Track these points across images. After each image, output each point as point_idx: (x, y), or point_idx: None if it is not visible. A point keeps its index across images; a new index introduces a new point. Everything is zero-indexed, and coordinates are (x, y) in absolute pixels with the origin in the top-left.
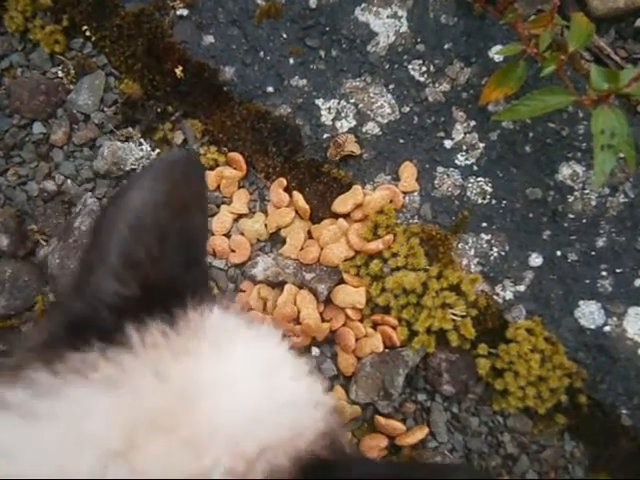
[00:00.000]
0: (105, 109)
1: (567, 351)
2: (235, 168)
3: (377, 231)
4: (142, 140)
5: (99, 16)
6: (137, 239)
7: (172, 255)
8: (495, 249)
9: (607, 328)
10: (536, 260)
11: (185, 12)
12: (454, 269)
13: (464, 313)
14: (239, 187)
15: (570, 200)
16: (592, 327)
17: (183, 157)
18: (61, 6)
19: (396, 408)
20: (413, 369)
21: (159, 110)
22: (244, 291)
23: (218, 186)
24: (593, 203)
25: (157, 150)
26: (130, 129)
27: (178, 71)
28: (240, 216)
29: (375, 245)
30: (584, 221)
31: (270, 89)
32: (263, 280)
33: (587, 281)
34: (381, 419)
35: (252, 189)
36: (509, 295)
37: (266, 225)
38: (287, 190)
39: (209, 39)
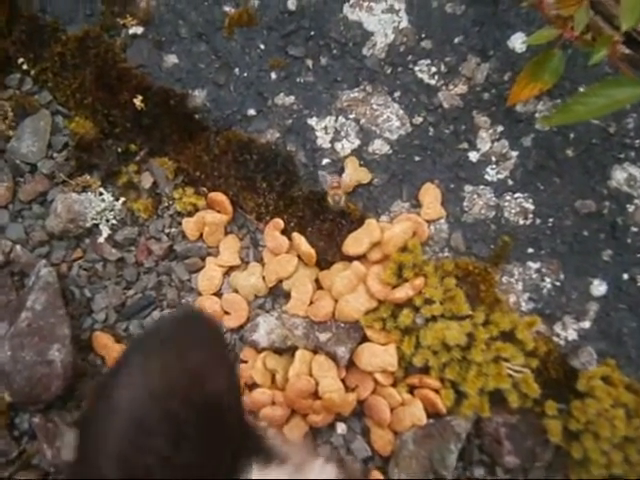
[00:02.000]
0: (55, 155)
1: None
2: (219, 211)
3: (402, 273)
4: (102, 189)
5: (36, 45)
6: (138, 444)
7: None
8: (548, 279)
9: None
10: (599, 288)
11: (139, 30)
12: (502, 311)
13: (523, 368)
14: (226, 233)
15: (630, 210)
16: None
17: (180, 322)
18: None
19: None
20: (467, 434)
21: (120, 150)
22: (246, 361)
23: (201, 235)
24: None
25: (122, 199)
26: (87, 176)
27: (137, 101)
28: (231, 269)
29: (403, 292)
30: None
31: (252, 112)
32: (268, 347)
33: None
34: None
35: (242, 234)
36: (572, 334)
37: (264, 277)
38: (285, 232)
39: (171, 59)
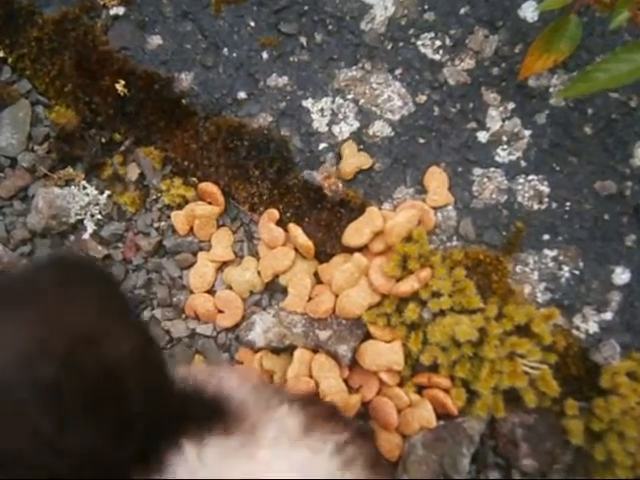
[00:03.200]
0: (35, 147)
1: None
2: (210, 202)
3: (407, 265)
4: (86, 182)
5: (12, 30)
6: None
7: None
8: (566, 268)
9: None
10: (622, 276)
11: (121, 10)
12: (517, 303)
13: (541, 364)
14: (218, 226)
15: None
16: None
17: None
18: None
19: None
20: (482, 435)
21: (104, 140)
22: (242, 362)
23: (191, 229)
24: None
25: (107, 192)
26: (70, 169)
27: (119, 87)
28: (224, 264)
29: (409, 285)
30: None
31: (242, 95)
32: (264, 346)
33: None
34: None
35: (235, 227)
36: (593, 327)
37: (259, 272)
38: (281, 223)
39: (156, 40)
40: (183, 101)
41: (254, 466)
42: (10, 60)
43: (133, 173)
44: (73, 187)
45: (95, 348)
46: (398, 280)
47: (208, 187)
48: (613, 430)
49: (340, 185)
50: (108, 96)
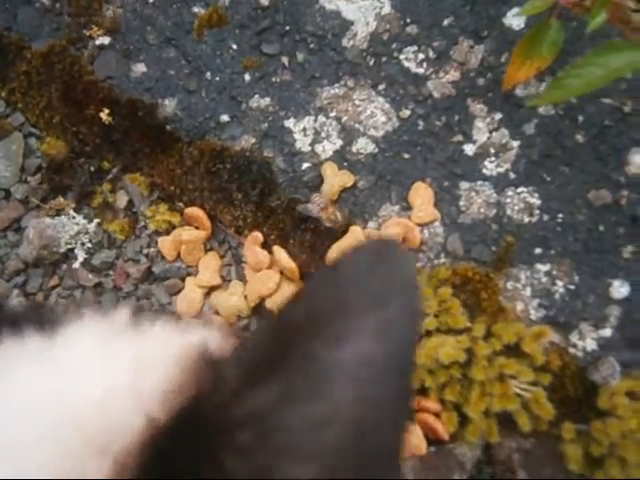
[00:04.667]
0: (28, 179)
1: None
2: (197, 227)
3: None
4: (73, 212)
5: (2, 64)
6: None
7: None
8: (560, 282)
9: None
10: (620, 290)
11: (106, 40)
12: (508, 321)
13: (533, 387)
14: (206, 250)
15: None
16: None
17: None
18: None
19: None
20: (474, 469)
21: (92, 169)
22: None
23: (179, 254)
24: None
25: (96, 220)
26: (60, 199)
27: (104, 115)
28: (212, 289)
29: None
30: None
31: (225, 118)
32: None
33: None
34: None
35: (223, 250)
36: (591, 345)
37: (246, 297)
38: (265, 246)
39: (140, 68)
40: (167, 127)
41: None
42: (3, 94)
43: (122, 200)
44: (63, 216)
45: None
46: None
47: (194, 212)
48: (613, 455)
49: (338, 214)
50: (94, 125)
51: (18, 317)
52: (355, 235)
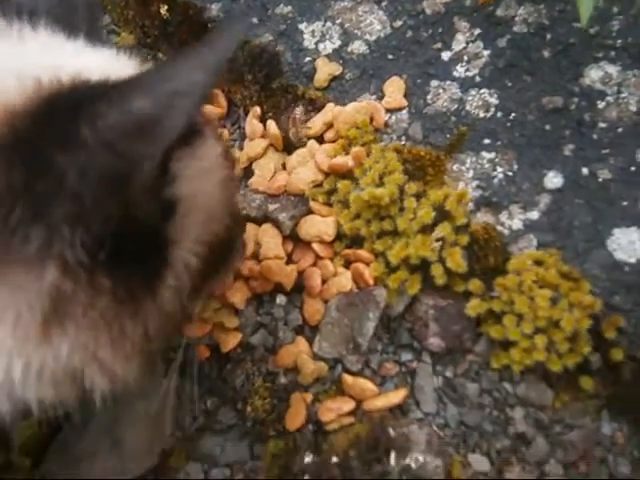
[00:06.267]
0: None
1: (597, 292)
2: (216, 106)
3: (350, 150)
4: None
5: None
6: None
7: None
8: (500, 169)
9: None
10: (554, 180)
11: None
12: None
13: (446, 237)
14: (220, 126)
15: (601, 107)
16: (632, 261)
17: None
18: None
19: (374, 370)
20: (396, 318)
21: (149, 57)
22: None
23: None
24: (633, 108)
25: None
26: None
27: (163, 10)
28: None
29: (342, 160)
30: (620, 130)
31: (254, 20)
32: None
33: (625, 203)
34: (348, 378)
35: (234, 129)
36: (517, 224)
37: (238, 159)
38: (263, 120)
39: None
40: (209, 25)
41: None
42: None
43: None
44: None
45: None
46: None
47: (214, 92)
48: (513, 312)
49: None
50: (155, 19)
51: None
52: (326, 109)
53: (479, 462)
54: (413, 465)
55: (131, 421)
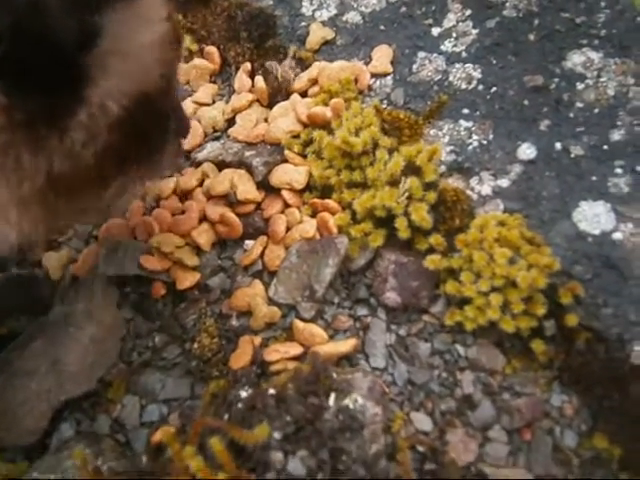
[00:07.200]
0: None
1: (558, 261)
2: (209, 62)
3: (330, 103)
4: None
5: None
6: None
7: None
8: (475, 137)
9: (618, 235)
10: (527, 152)
11: None
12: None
13: (413, 192)
14: (210, 82)
15: (580, 88)
16: (596, 233)
17: None
18: None
19: (327, 321)
20: (356, 272)
21: None
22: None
23: (188, 82)
24: (611, 92)
25: None
26: None
27: None
28: (202, 105)
29: (321, 110)
30: (596, 111)
31: None
32: (203, 160)
33: (594, 178)
34: (299, 323)
35: (224, 86)
36: (486, 190)
37: (224, 112)
38: (252, 76)
39: None
40: None
41: None
42: None
43: None
44: None
45: None
46: None
47: (210, 49)
48: (471, 269)
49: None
50: None
51: None
52: (312, 67)
53: (422, 421)
54: (351, 406)
55: (75, 344)
